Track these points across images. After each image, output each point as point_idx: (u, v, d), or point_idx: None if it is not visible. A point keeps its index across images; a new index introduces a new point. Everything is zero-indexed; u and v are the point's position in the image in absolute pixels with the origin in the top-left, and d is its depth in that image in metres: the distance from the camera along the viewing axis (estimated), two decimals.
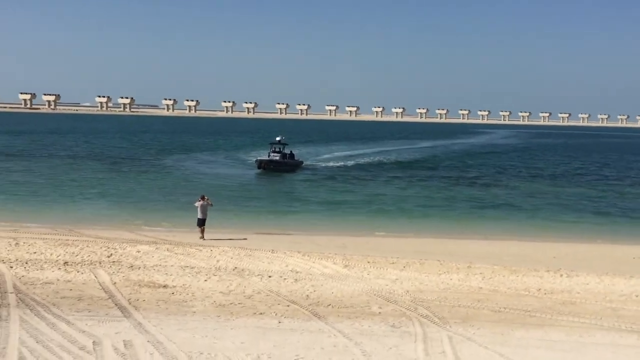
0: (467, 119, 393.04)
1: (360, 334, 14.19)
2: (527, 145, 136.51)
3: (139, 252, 22.22)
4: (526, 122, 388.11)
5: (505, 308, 16.87)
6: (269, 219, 34.03)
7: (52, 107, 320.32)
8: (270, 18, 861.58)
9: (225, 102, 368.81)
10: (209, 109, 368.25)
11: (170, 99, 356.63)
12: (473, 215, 37.92)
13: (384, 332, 14.44)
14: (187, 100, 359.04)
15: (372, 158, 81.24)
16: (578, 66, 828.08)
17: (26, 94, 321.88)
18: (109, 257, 21.26)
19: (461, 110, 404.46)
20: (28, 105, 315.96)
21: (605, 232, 33.58)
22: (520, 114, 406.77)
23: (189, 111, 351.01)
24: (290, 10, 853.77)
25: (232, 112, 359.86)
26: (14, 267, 19.08)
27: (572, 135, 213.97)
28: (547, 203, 43.74)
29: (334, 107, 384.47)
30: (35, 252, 21.41)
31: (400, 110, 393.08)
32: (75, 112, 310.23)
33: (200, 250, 22.98)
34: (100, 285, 17.65)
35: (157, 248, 23.14)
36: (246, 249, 23.79)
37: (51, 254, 21.24)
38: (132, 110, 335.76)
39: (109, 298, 16.40)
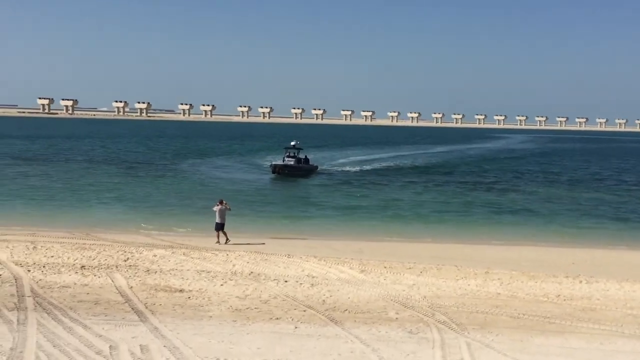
0: (483, 123, 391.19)
1: (378, 340, 14.07)
2: (544, 150, 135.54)
3: (155, 256, 22.24)
4: (543, 127, 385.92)
5: (524, 314, 16.67)
6: (284, 224, 33.96)
7: (70, 112, 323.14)
8: (287, 23, 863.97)
9: (241, 106, 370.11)
10: (225, 113, 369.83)
11: (186, 104, 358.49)
12: (490, 221, 37.62)
13: (402, 338, 14.31)
14: (203, 105, 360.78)
15: (387, 163, 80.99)
16: (596, 70, 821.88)
17: (44, 99, 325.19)
18: (125, 261, 21.30)
19: (477, 115, 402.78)
20: (46, 110, 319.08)
21: (624, 237, 33.16)
22: (537, 118, 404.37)
23: (205, 116, 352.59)
24: (307, 15, 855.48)
25: (247, 117, 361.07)
26: (31, 271, 19.17)
27: (589, 140, 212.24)
28: (565, 208, 43.32)
29: (350, 112, 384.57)
30: (52, 256, 21.50)
31: (416, 114, 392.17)
32: (93, 117, 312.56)
33: (216, 255, 22.97)
34: (117, 289, 17.67)
35: (173, 252, 23.16)
36: (262, 253, 23.75)
37: (68, 258, 21.32)
38: (148, 115, 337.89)
39: (126, 302, 16.41)
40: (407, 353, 13.34)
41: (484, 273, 21.51)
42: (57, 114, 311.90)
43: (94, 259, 21.30)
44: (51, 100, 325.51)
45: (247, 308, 16.32)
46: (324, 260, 22.60)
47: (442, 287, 19.32)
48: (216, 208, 27.58)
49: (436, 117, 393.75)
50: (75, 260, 21.09)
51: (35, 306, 15.59)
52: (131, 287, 17.96)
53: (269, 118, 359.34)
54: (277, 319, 15.50)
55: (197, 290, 17.85)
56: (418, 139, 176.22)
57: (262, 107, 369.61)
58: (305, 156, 63.29)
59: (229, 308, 16.29)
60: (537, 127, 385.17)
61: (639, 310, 17.46)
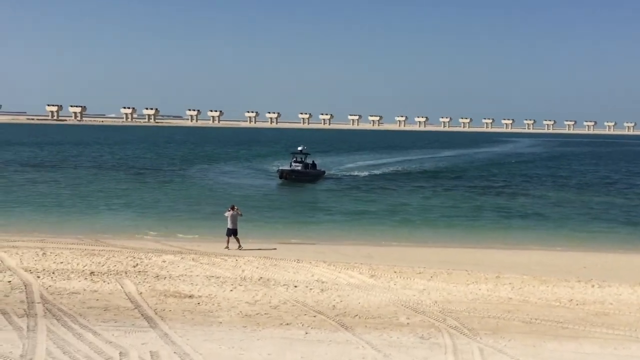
0: (491, 127, 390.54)
1: (389, 346, 13.95)
2: (552, 153, 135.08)
3: (164, 261, 22.20)
4: (551, 131, 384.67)
5: (536, 319, 16.51)
6: (292, 229, 33.87)
7: (79, 118, 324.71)
8: (294, 28, 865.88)
9: (248, 112, 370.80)
10: (233, 119, 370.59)
11: (194, 110, 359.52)
12: (500, 225, 37.42)
13: (413, 344, 14.19)
14: (211, 111, 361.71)
15: (395, 167, 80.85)
16: (604, 73, 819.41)
17: (53, 105, 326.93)
18: (134, 267, 21.26)
19: (485, 119, 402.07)
20: (55, 117, 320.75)
21: (635, 241, 32.91)
22: (544, 122, 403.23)
23: (213, 121, 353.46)
24: (315, 20, 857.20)
25: (255, 122, 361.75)
26: (41, 277, 19.15)
27: (598, 144, 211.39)
28: (575, 212, 43.06)
29: (357, 117, 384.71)
30: (62, 262, 21.49)
31: (424, 119, 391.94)
32: (101, 123, 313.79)
33: (226, 260, 22.90)
34: (126, 295, 17.62)
35: (182, 258, 23.11)
36: (271, 258, 23.67)
37: (77, 264, 21.30)
38: (156, 121, 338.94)
39: (135, 308, 16.35)
40: (419, 359, 13.22)
41: (494, 277, 21.36)
42: (65, 120, 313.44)
43: (103, 265, 21.28)
44: (60, 107, 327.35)
45: (257, 314, 16.24)
46: (334, 265, 22.50)
47: (453, 292, 19.18)
48: (228, 214, 27.55)
49: (444, 122, 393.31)
50: (84, 266, 21.07)
51: (45, 313, 15.55)
52: (140, 293, 17.91)
53: (277, 123, 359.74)
54: (288, 324, 15.41)
55: (207, 296, 17.78)
56: (425, 143, 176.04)
57: (269, 113, 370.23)
58: (313, 161, 63.17)
59: (238, 314, 16.21)
60: (545, 130, 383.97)
61: None
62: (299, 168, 59.93)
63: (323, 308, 16.93)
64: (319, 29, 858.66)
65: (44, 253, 22.89)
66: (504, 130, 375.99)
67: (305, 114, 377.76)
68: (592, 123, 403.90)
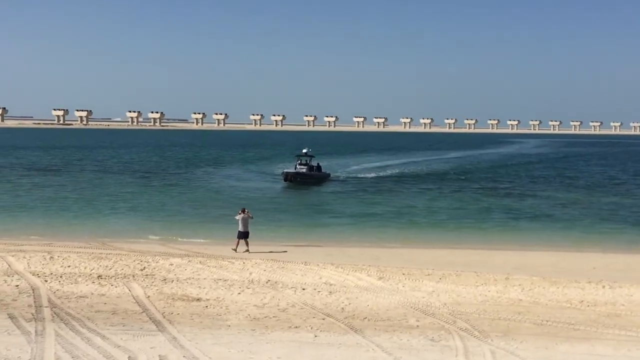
0: (497, 128, 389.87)
1: (399, 348, 13.82)
2: (559, 154, 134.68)
3: (171, 265, 22.12)
4: (557, 131, 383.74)
5: (547, 321, 16.36)
6: (299, 232, 33.75)
7: (84, 122, 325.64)
8: (298, 31, 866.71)
9: (253, 115, 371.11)
10: (238, 122, 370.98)
11: (199, 113, 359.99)
12: (507, 226, 37.26)
13: (424, 346, 14.05)
14: (216, 114, 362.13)
15: (401, 169, 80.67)
16: (610, 74, 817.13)
17: (59, 110, 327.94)
18: (142, 270, 21.19)
19: (490, 120, 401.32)
20: (61, 121, 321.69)
21: None
22: (550, 122, 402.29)
23: (218, 125, 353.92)
24: (319, 22, 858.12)
25: (260, 125, 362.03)
26: (48, 281, 19.10)
27: (604, 144, 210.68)
28: (583, 213, 42.83)
29: (362, 119, 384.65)
30: (69, 266, 21.44)
31: (429, 120, 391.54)
32: (107, 127, 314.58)
33: (233, 263, 22.81)
34: (134, 298, 17.55)
35: (189, 261, 23.03)
36: (279, 261, 23.57)
37: (85, 268, 21.25)
38: (162, 124, 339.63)
39: (143, 312, 16.27)
40: None
41: (504, 279, 21.20)
42: (71, 124, 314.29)
43: (110, 269, 21.21)
44: (66, 112, 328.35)
45: (266, 317, 16.14)
46: (341, 268, 22.38)
47: (462, 294, 19.04)
48: (238, 217, 27.47)
49: (449, 123, 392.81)
50: (92, 270, 21.01)
51: (53, 317, 15.48)
52: (148, 296, 17.83)
53: (282, 126, 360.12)
54: (296, 327, 15.30)
55: (215, 299, 17.69)
56: (431, 144, 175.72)
57: (274, 115, 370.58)
58: (318, 164, 63.00)
59: (247, 317, 16.11)
60: (551, 131, 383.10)
61: None
62: (304, 170, 59.75)
63: (332, 311, 16.82)
64: (322, 31, 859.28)
65: (51, 257, 22.85)
66: (509, 131, 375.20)
67: (311, 116, 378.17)
68: (598, 123, 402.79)
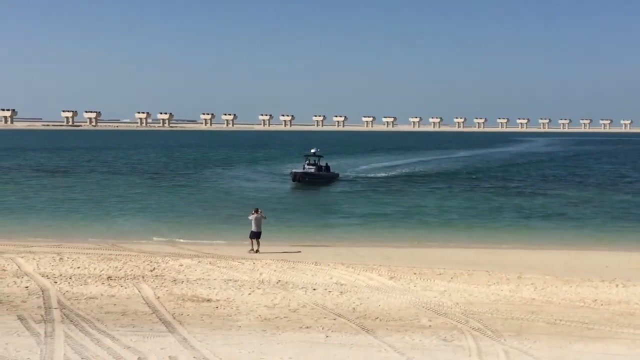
0: (506, 127, 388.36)
1: (412, 349, 13.67)
2: (569, 152, 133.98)
3: (181, 265, 22.05)
4: (566, 130, 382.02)
5: (560, 320, 16.16)
6: (308, 232, 33.64)
7: (93, 124, 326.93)
8: (306, 30, 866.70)
9: (262, 115, 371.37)
10: (247, 122, 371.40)
11: (208, 114, 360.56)
12: (518, 225, 36.99)
13: (436, 347, 13.90)
14: (225, 115, 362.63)
15: (411, 169, 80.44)
16: (619, 71, 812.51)
17: (68, 111, 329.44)
18: (151, 271, 21.12)
19: (499, 118, 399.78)
20: (70, 123, 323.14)
21: None
22: (560, 121, 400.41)
23: (227, 125, 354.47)
24: (328, 22, 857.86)
25: (269, 125, 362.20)
26: (58, 282, 19.06)
27: (614, 142, 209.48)
28: (594, 212, 42.51)
29: (371, 119, 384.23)
30: (79, 267, 21.40)
31: (438, 120, 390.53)
32: (116, 128, 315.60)
33: (243, 264, 22.71)
34: (144, 299, 17.47)
35: (199, 261, 22.95)
36: (289, 261, 23.45)
37: (94, 269, 21.20)
38: (171, 125, 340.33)
39: (153, 313, 16.19)
40: None
41: (516, 278, 21.00)
42: (80, 126, 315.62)
43: (120, 270, 21.16)
44: (75, 113, 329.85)
45: (276, 317, 16.02)
46: (352, 267, 22.24)
47: (474, 293, 18.86)
48: (252, 217, 27.37)
49: (458, 122, 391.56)
50: (101, 271, 20.97)
51: (63, 318, 15.42)
52: (158, 297, 17.75)
53: (291, 126, 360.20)
54: (307, 328, 15.17)
55: (225, 300, 17.59)
56: (440, 143, 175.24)
57: (283, 115, 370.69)
58: (326, 164, 62.80)
59: (257, 317, 16.00)
60: (561, 129, 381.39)
61: None
62: (312, 170, 59.57)
63: (343, 311, 16.69)
64: (331, 31, 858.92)
65: (60, 258, 22.82)
66: (519, 129, 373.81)
67: (319, 116, 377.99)
68: (608, 121, 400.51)
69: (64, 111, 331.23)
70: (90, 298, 17.47)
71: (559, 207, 44.25)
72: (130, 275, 20.40)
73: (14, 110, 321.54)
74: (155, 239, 30.39)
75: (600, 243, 31.41)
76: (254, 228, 27.07)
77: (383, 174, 71.22)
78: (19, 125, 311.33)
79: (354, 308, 16.99)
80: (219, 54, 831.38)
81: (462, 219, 38.92)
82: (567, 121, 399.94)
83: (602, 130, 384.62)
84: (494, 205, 44.90)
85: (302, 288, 19.03)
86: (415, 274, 21.39)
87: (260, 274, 21.03)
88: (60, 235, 30.72)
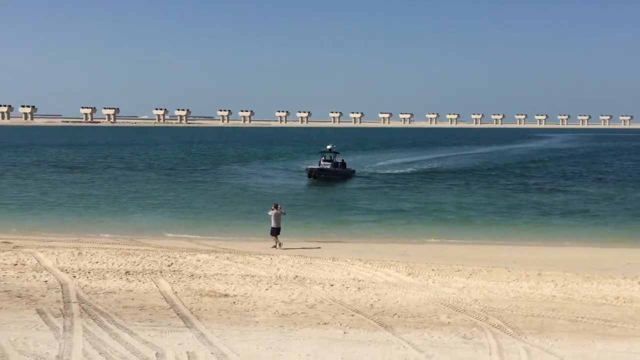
0: (524, 123, 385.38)
1: (431, 346, 13.51)
2: (589, 149, 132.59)
3: (199, 261, 22.03)
4: (586, 126, 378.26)
5: (582, 318, 15.91)
6: (325, 228, 33.53)
7: (112, 120, 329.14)
8: (324, 27, 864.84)
9: (279, 111, 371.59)
10: (263, 119, 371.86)
11: (225, 110, 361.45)
12: (538, 222, 36.59)
13: (456, 344, 13.72)
14: (242, 111, 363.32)
15: (428, 165, 80.00)
16: (638, 67, 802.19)
17: (87, 108, 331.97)
18: (169, 266, 21.12)
19: (518, 115, 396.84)
20: (89, 119, 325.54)
21: None
22: (579, 117, 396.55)
23: (244, 121, 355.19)
24: (345, 19, 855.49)
25: (285, 122, 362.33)
26: (77, 277, 19.11)
27: (634, 138, 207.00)
28: (615, 209, 41.98)
29: (388, 115, 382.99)
30: (97, 262, 21.45)
31: (455, 116, 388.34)
32: (134, 124, 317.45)
33: (260, 259, 22.64)
34: (161, 294, 17.45)
35: (216, 257, 22.92)
36: (306, 257, 23.35)
37: (113, 264, 21.24)
38: (188, 121, 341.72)
39: (171, 307, 16.16)
40: None
41: (536, 275, 20.74)
42: (99, 122, 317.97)
43: (138, 265, 21.18)
44: (94, 110, 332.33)
45: (294, 313, 15.92)
46: (370, 264, 22.09)
47: (493, 290, 18.64)
48: (271, 212, 27.30)
49: (475, 118, 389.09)
50: (119, 265, 21.00)
51: (81, 312, 15.44)
52: (176, 292, 17.72)
53: (307, 122, 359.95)
54: (325, 324, 15.05)
55: (242, 295, 17.52)
56: (458, 139, 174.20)
57: (300, 112, 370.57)
58: (342, 160, 62.56)
59: (275, 313, 15.91)
60: (580, 126, 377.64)
61: None
62: (328, 167, 59.32)
63: (361, 307, 16.55)
64: (349, 27, 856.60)
65: (79, 253, 22.91)
66: (537, 126, 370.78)
67: (336, 112, 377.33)
68: (628, 117, 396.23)
69: (83, 108, 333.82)
70: (108, 292, 17.49)
71: (579, 204, 43.75)
72: (148, 270, 20.41)
73: (34, 106, 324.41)
74: (171, 235, 30.42)
75: (621, 240, 30.96)
76: (273, 224, 26.98)
77: (400, 171, 70.87)
78: (38, 121, 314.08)
79: (371, 304, 16.85)
80: (237, 52, 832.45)
81: (480, 215, 38.59)
82: (587, 117, 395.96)
83: (621, 126, 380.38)
84: (513, 202, 44.48)
85: (320, 284, 18.91)
86: (433, 270, 21.19)
87: (278, 269, 20.94)
88: (79, 230, 30.87)
